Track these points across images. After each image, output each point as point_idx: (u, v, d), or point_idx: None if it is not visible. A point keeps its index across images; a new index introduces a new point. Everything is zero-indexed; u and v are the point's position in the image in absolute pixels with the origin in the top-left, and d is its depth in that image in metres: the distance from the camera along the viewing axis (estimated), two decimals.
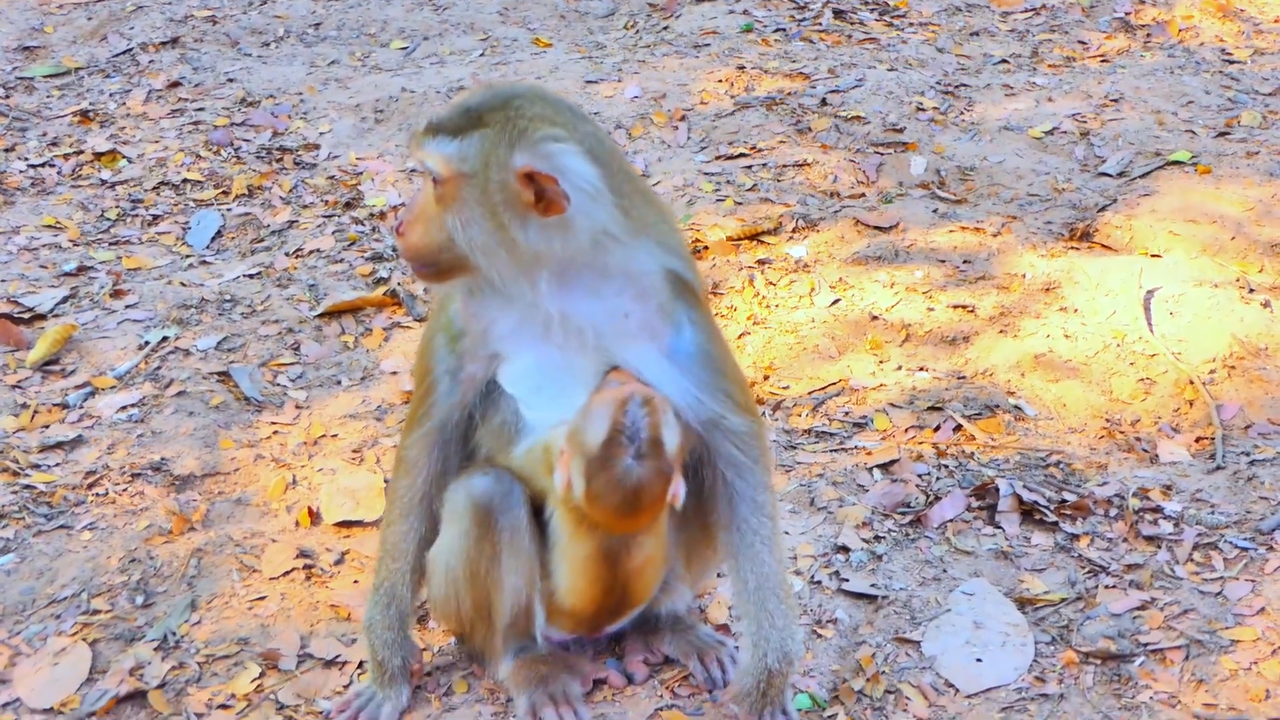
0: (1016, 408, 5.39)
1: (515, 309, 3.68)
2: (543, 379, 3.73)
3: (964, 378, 5.58)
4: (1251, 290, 5.90)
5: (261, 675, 4.28)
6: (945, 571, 4.57)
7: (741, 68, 8.22)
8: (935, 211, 6.67)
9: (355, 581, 4.63)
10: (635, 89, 8.00)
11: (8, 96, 8.56)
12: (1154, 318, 5.79)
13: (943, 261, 6.23)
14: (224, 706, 4.18)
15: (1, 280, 6.57)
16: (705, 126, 7.57)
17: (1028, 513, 4.79)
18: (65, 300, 6.39)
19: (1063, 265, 6.13)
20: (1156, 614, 4.38)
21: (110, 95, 8.48)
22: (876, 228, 6.51)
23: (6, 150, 7.85)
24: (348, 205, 7.08)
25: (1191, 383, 5.45)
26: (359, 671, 4.27)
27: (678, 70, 8.25)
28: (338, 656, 4.33)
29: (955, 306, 5.94)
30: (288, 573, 4.67)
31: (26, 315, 6.26)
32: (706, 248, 6.40)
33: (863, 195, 6.85)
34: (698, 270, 3.89)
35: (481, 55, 8.85)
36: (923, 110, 7.59)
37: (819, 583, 4.51)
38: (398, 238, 3.68)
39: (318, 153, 7.66)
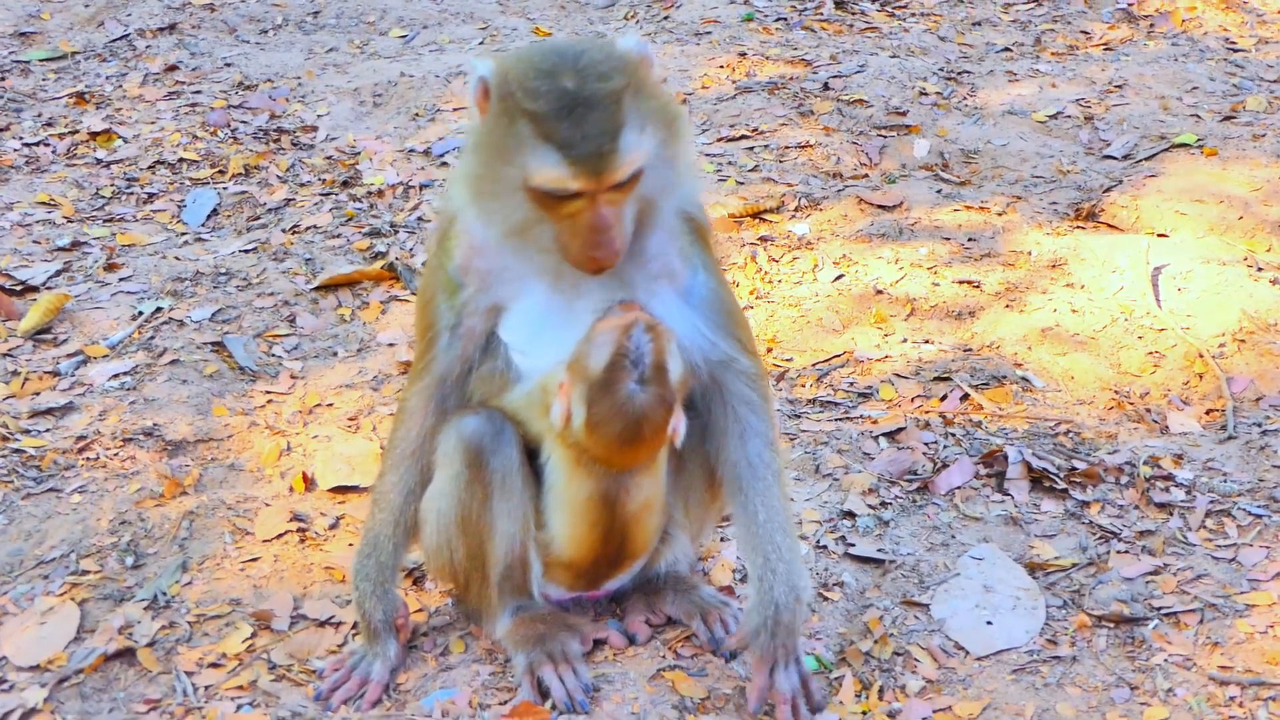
0: (1024, 379, 5.30)
1: (530, 255, 3.58)
2: (543, 325, 3.65)
3: (970, 350, 5.49)
4: (1260, 269, 5.83)
5: (254, 635, 4.18)
6: (954, 537, 4.48)
7: (743, 54, 8.15)
8: (939, 192, 6.59)
9: (350, 545, 4.52)
10: None
11: (3, 79, 8.47)
12: (1162, 293, 5.72)
13: (947, 239, 6.15)
14: (215, 665, 4.08)
15: None
16: (706, 110, 7.49)
17: (1037, 480, 4.71)
18: (58, 274, 6.30)
19: (1068, 243, 6.06)
20: (1170, 579, 4.29)
21: (107, 79, 8.39)
22: (880, 206, 6.43)
23: (1, 130, 7.76)
24: (345, 184, 6.99)
25: (1201, 356, 5.36)
26: (353, 632, 4.17)
27: (679, 57, 8.18)
28: (331, 617, 4.23)
29: (960, 282, 5.86)
30: (281, 535, 4.57)
31: (19, 288, 6.16)
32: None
33: (865, 176, 6.77)
34: (706, 212, 3.82)
35: (480, 44, 8.78)
36: (925, 95, 7.52)
37: (825, 547, 4.42)
38: (608, 256, 3.41)
39: (315, 134, 7.58)
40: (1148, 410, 5.14)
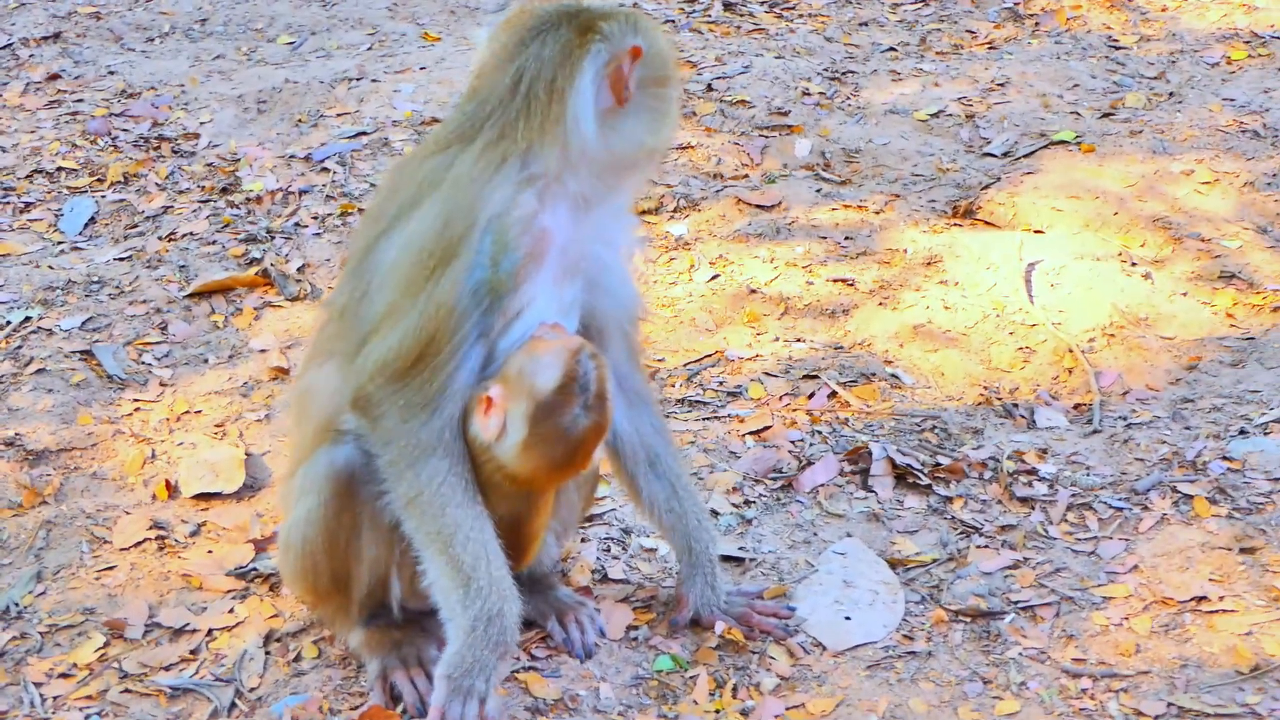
0: (894, 376, 5.32)
1: (574, 231, 3.60)
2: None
3: (841, 348, 5.50)
4: (1134, 264, 5.87)
5: (106, 644, 4.13)
6: (816, 534, 4.49)
7: None
8: (819, 191, 6.60)
9: (209, 552, 4.48)
10: None
11: None
12: (1035, 289, 5.75)
13: (824, 238, 6.16)
14: (65, 675, 4.02)
15: None
16: None
17: (901, 476, 4.72)
18: None
19: (944, 240, 6.08)
20: (1028, 573, 4.31)
21: None
22: (759, 206, 6.43)
23: None
24: (224, 190, 6.91)
25: (1071, 351, 5.39)
26: (208, 639, 4.12)
27: None
28: (187, 625, 4.19)
29: (835, 280, 5.87)
30: (139, 544, 4.52)
31: None
32: None
33: (746, 176, 6.77)
34: None
35: (369, 49, 8.71)
36: (809, 95, 7.53)
37: None
38: None
39: (197, 141, 7.49)
40: (1015, 405, 5.16)
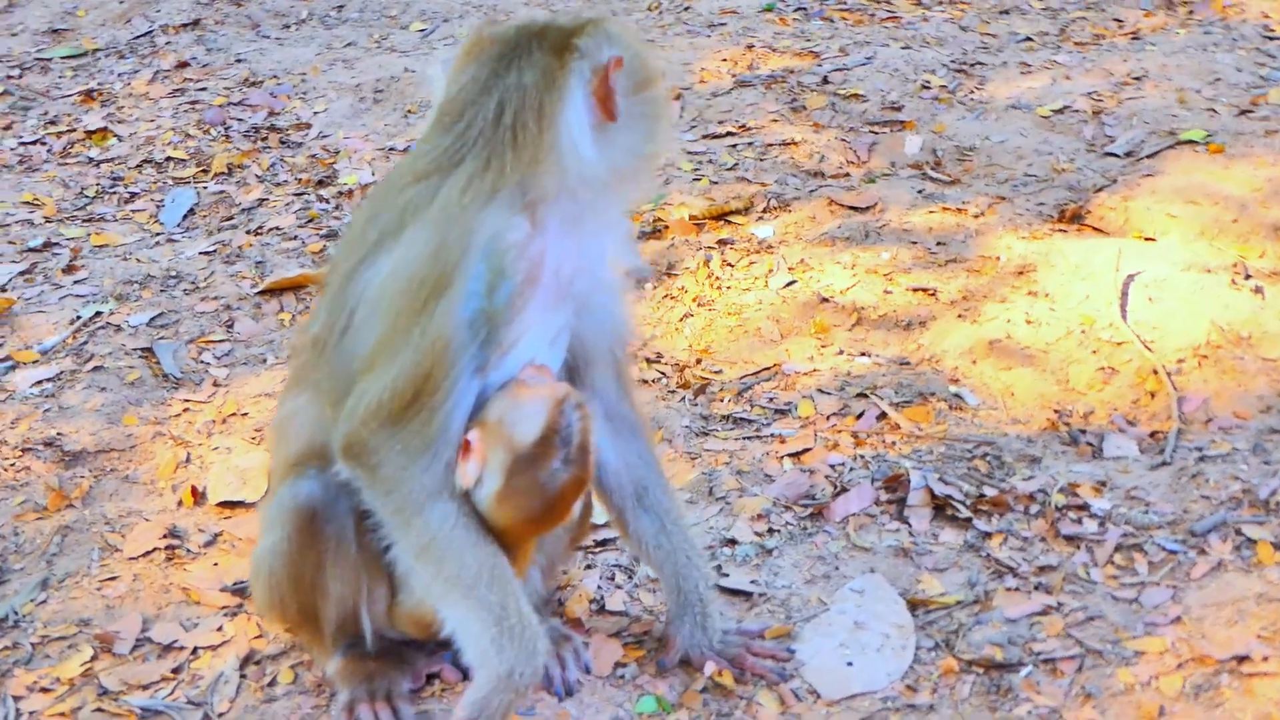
0: (956, 395, 5.01)
1: (560, 253, 3.42)
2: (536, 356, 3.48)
3: (907, 364, 5.20)
4: (1248, 276, 5.44)
5: (94, 658, 4.07)
6: (837, 569, 4.23)
7: (750, 46, 7.88)
8: (920, 192, 6.28)
9: (215, 564, 4.41)
10: None
11: (21, 76, 8.51)
12: (1130, 303, 5.36)
13: (914, 243, 5.85)
14: (45, 690, 3.97)
15: None
16: (699, 105, 7.25)
17: (940, 507, 4.43)
18: (20, 275, 6.27)
19: (1041, 248, 5.72)
20: (1057, 620, 3.99)
21: (118, 76, 8.38)
22: (851, 208, 6.14)
23: (4, 129, 7.77)
24: (320, 184, 6.88)
25: (1156, 372, 5.01)
26: (192, 658, 4.04)
27: (685, 50, 7.94)
28: (175, 642, 4.11)
29: (915, 290, 5.56)
30: (148, 553, 4.46)
31: None
32: (666, 227, 6.08)
33: (847, 175, 6.49)
34: None
35: None
36: (928, 89, 7.20)
37: None
38: None
39: (307, 132, 7.48)
40: (1084, 431, 4.81)
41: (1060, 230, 5.93)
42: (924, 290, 5.55)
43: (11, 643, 4.14)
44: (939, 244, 5.85)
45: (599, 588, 4.18)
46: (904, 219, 6.02)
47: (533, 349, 3.40)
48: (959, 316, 5.41)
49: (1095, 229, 5.96)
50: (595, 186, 3.35)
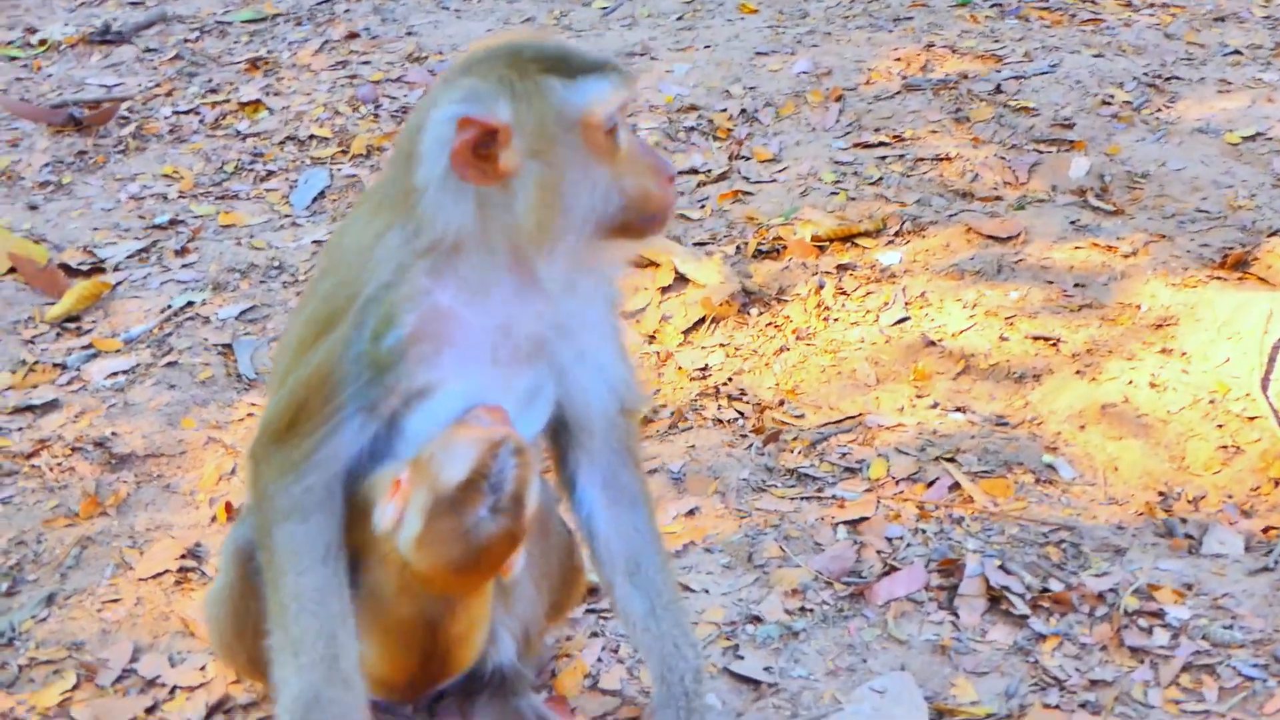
0: (1049, 467, 4.53)
1: (489, 307, 3.08)
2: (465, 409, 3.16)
3: (1004, 424, 4.73)
4: None
5: (75, 687, 3.92)
6: (865, 661, 3.83)
7: (930, 46, 7.39)
8: (1074, 223, 5.75)
9: None
10: (805, 64, 7.28)
11: (199, 39, 8.50)
12: (1276, 372, 4.79)
13: (1050, 282, 5.35)
14: (15, 719, 3.83)
15: (95, 228, 6.44)
16: (859, 109, 6.81)
17: (995, 600, 3.98)
18: (136, 254, 6.21)
19: (1189, 299, 5.16)
20: None
21: (289, 44, 8.30)
22: (991, 237, 5.66)
23: (165, 95, 7.75)
24: None
25: None
26: (168, 698, 3.86)
27: (861, 45, 7.48)
28: (158, 678, 3.93)
29: (1035, 338, 5.07)
30: (159, 574, 4.30)
31: (87, 266, 6.10)
32: (785, 247, 5.68)
33: (998, 198, 5.99)
34: None
35: (677, 19, 8.26)
36: (1109, 104, 6.62)
37: (706, 656, 3.83)
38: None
39: None
40: (1184, 521, 4.29)
41: (1218, 278, 5.35)
42: (1045, 339, 5.06)
43: (1, 662, 4.02)
44: (1077, 285, 5.34)
45: (598, 660, 3.86)
46: (1045, 254, 5.51)
47: (459, 403, 3.07)
48: (1077, 373, 4.91)
49: (1260, 279, 5.37)
50: (502, 246, 3.00)
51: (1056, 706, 3.66)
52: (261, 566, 3.19)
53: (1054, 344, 5.04)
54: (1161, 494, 4.45)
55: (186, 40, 8.40)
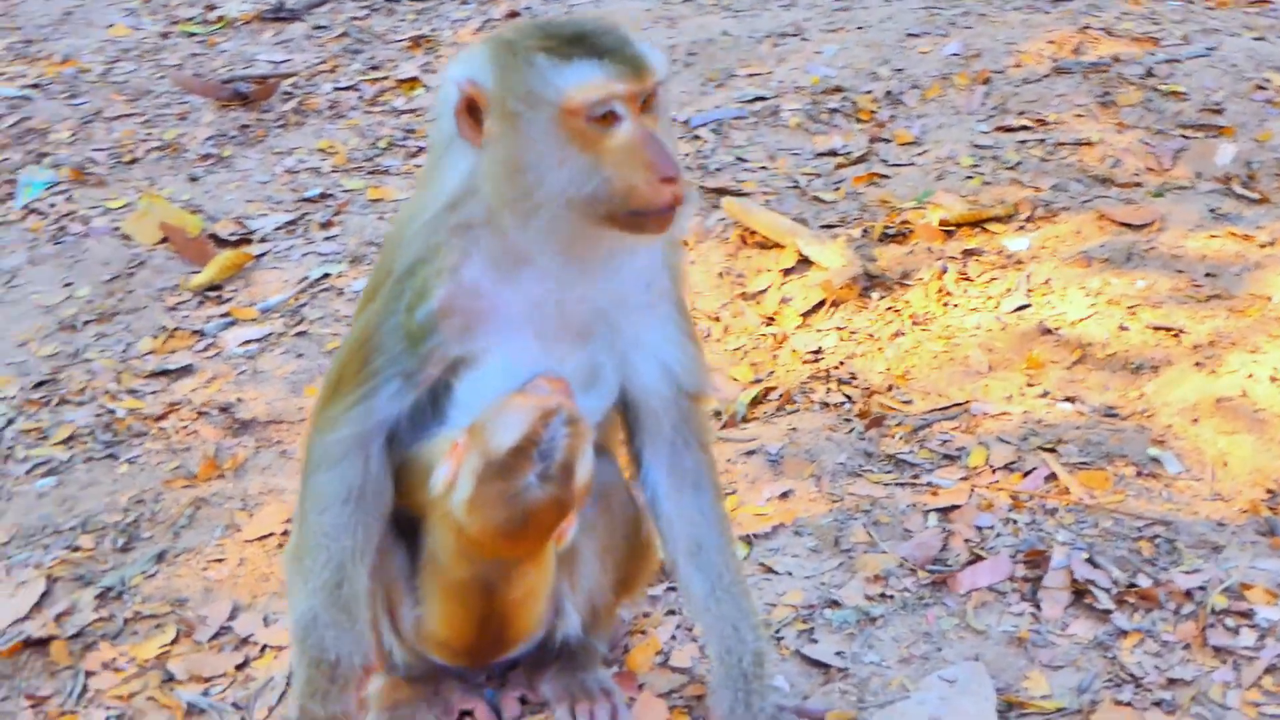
0: (1154, 460, 4.44)
1: (521, 286, 3.18)
2: (511, 383, 3.21)
3: (1114, 415, 4.65)
4: None
5: (173, 641, 4.11)
6: (940, 650, 3.80)
7: (1086, 28, 7.24)
8: (1213, 211, 5.62)
9: None
10: (957, 45, 7.20)
11: (367, 17, 8.71)
12: None
13: (1180, 272, 5.23)
14: (116, 669, 4.03)
15: (249, 200, 6.65)
16: (1005, 92, 6.71)
17: (1080, 594, 3.92)
18: (284, 226, 6.40)
19: None
20: None
21: (452, 23, 8.46)
22: (1124, 224, 5.55)
23: (329, 71, 7.96)
24: None
25: None
26: (258, 656, 4.01)
27: (1016, 27, 7.37)
28: (250, 636, 4.11)
29: (1157, 328, 4.96)
30: (264, 537, 4.46)
31: (236, 238, 6.31)
32: (913, 231, 5.64)
33: (1138, 185, 5.86)
34: None
35: (835, 0, 8.22)
36: (1263, 89, 6.43)
37: (780, 639, 3.85)
38: (680, 183, 2.98)
39: None
40: None
41: None
42: (1167, 329, 4.95)
43: (109, 614, 4.22)
44: (1207, 275, 5.21)
45: (671, 638, 3.90)
46: (1178, 242, 5.38)
47: (504, 374, 3.17)
48: (1196, 365, 4.79)
49: None
50: (528, 220, 3.04)
51: (1129, 704, 3.60)
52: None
53: (1175, 334, 4.93)
54: (1270, 491, 4.33)
55: (355, 18, 8.60)
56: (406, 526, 3.44)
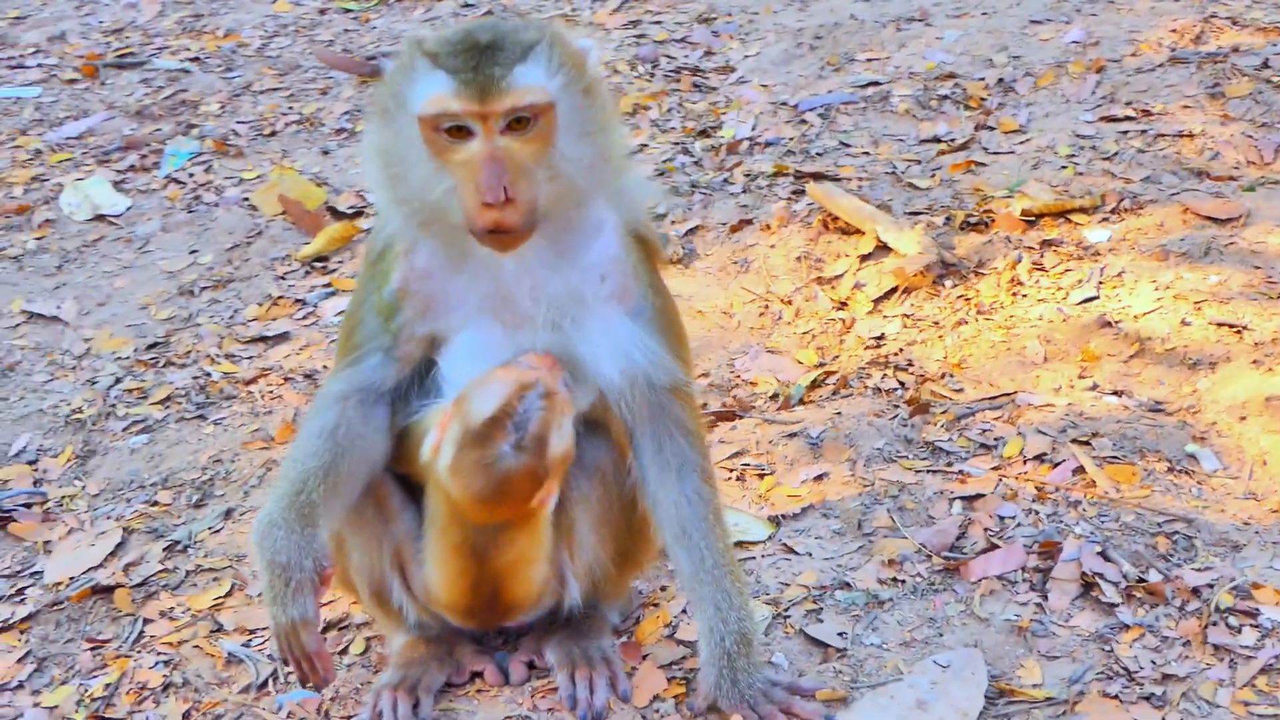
0: (1191, 456, 4.44)
1: (469, 276, 3.45)
2: (486, 359, 3.50)
3: (1160, 410, 4.65)
4: None
5: (228, 594, 4.36)
6: (940, 635, 3.89)
7: (1211, 17, 7.14)
8: None
9: None
10: (1079, 33, 7.17)
11: None
12: None
13: (1256, 268, 5.19)
14: (171, 618, 4.30)
15: None
16: (1117, 81, 6.67)
17: (1089, 586, 3.97)
18: None
19: None
20: None
21: (591, 2, 8.62)
22: (1208, 218, 5.51)
23: None
24: (702, 134, 6.86)
25: None
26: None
27: (1142, 15, 7.30)
28: None
29: (1220, 324, 4.94)
30: None
31: (352, 211, 6.58)
32: (992, 221, 5.67)
33: (1234, 178, 5.80)
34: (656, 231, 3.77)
35: None
36: None
37: (787, 617, 3.97)
38: (505, 209, 3.11)
39: (727, 77, 7.46)
40: None
41: None
42: (1230, 326, 4.92)
43: (173, 566, 4.50)
44: None
45: (682, 611, 4.04)
46: (1260, 238, 5.33)
47: (471, 354, 3.45)
48: (1254, 362, 4.77)
49: None
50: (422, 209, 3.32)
51: (1115, 697, 3.64)
52: None
53: (1239, 331, 4.90)
54: None
55: None
56: (418, 492, 3.66)
